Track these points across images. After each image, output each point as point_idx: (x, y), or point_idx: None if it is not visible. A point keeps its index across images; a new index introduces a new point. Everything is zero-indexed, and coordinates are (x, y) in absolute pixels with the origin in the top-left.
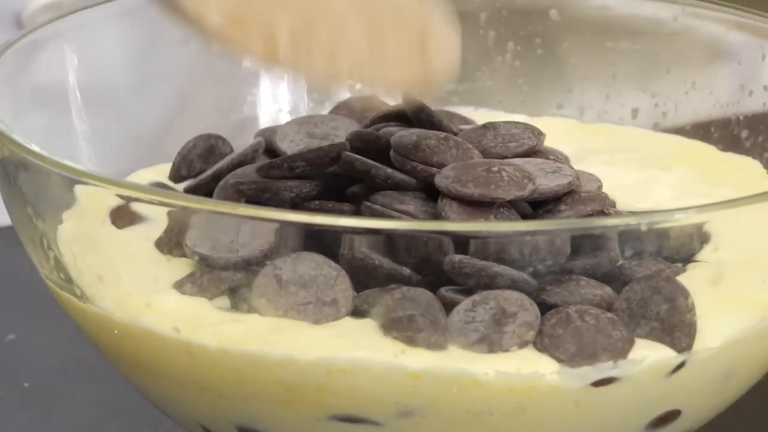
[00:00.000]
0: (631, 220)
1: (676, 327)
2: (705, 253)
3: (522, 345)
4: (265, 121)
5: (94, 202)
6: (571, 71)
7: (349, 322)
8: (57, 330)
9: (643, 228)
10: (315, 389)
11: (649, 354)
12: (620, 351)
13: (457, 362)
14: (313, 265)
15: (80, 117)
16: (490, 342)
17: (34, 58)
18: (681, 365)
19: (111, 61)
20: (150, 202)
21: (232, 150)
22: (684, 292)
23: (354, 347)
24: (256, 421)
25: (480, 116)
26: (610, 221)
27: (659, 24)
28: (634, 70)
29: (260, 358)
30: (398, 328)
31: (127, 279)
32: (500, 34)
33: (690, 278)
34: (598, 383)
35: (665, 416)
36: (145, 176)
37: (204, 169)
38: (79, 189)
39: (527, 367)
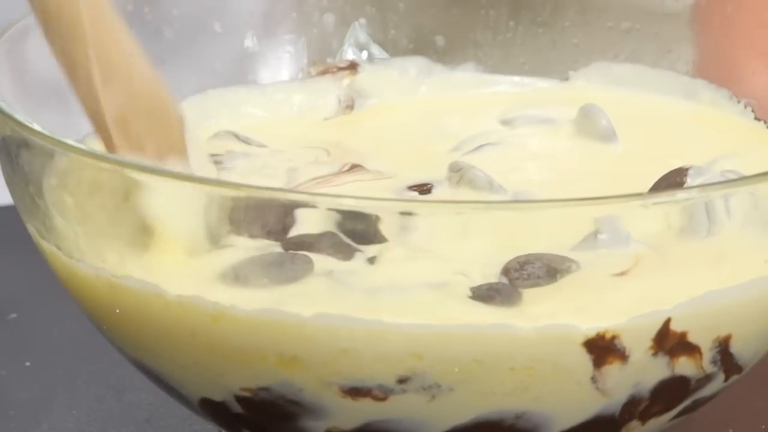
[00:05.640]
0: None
1: None
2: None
3: None
4: None
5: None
6: (572, 51)
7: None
8: (58, 309)
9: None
10: (321, 351)
11: None
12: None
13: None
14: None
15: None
16: None
17: (36, 37)
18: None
19: None
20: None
21: None
22: None
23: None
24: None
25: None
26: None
27: (661, 3)
28: (636, 50)
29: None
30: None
31: (135, 256)
32: (501, 13)
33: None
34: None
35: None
36: None
37: None
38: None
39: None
